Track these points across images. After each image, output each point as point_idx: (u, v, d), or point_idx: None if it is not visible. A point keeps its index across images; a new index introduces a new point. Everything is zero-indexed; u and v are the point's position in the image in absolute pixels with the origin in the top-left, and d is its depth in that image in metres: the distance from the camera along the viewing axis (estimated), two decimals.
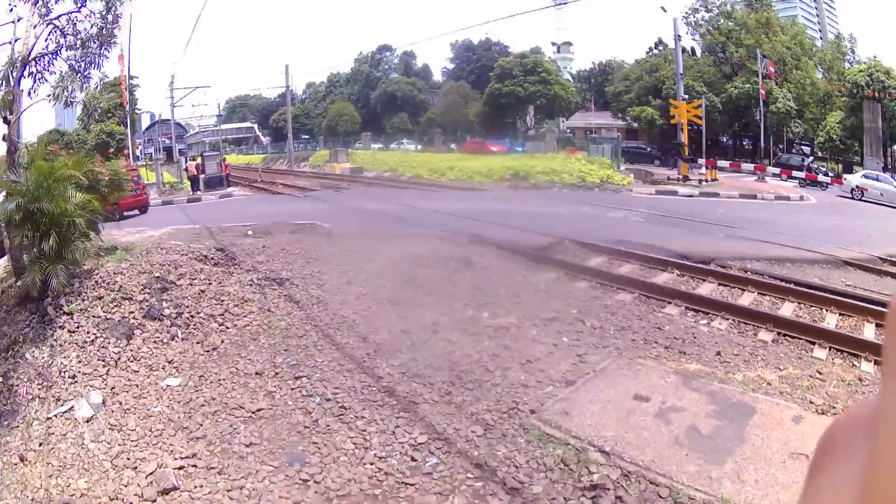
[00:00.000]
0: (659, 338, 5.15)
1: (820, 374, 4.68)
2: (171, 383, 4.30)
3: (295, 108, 43.02)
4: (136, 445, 3.55)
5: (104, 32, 6.23)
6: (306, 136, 48.26)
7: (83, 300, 4.94)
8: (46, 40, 6.03)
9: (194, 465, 3.21)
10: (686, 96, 25.93)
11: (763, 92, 32.26)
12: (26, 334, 4.73)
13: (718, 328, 5.53)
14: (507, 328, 5.02)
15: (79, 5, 6.05)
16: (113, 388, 4.14)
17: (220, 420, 3.72)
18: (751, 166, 27.67)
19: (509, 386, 4.00)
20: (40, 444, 3.67)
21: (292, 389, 4.02)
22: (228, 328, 4.81)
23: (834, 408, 3.95)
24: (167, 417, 3.84)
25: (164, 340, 4.69)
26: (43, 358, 4.48)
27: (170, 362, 4.52)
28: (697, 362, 4.68)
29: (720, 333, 5.41)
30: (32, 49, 5.76)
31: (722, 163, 27.20)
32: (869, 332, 5.79)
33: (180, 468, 3.20)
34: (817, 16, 68.18)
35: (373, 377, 4.04)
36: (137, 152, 29.62)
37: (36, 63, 5.85)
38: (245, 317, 4.92)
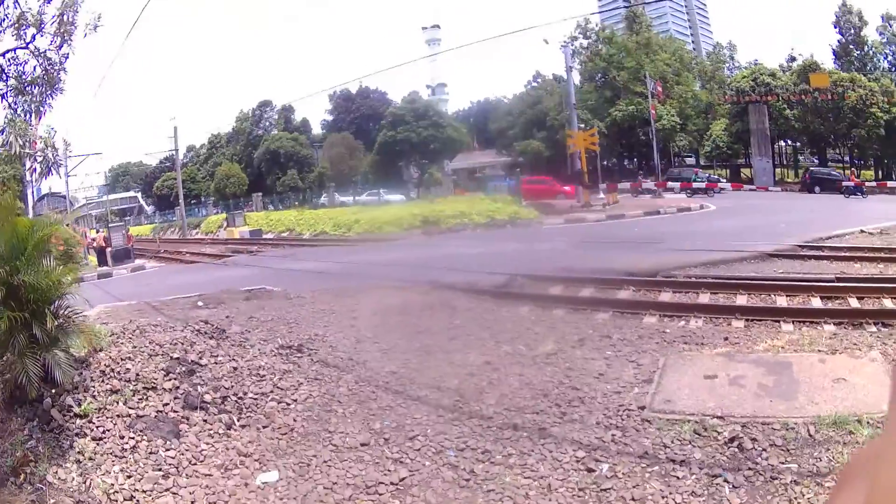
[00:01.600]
0: (670, 338, 6.91)
1: (809, 336, 6.76)
2: (268, 479, 4.38)
3: (180, 172, 47.21)
4: None
5: (50, 75, 6.31)
6: (193, 201, 52.91)
7: (94, 397, 4.74)
8: None
9: None
10: (582, 125, 31.63)
11: (654, 112, 40.16)
12: (35, 449, 4.33)
13: (698, 325, 7.52)
14: (552, 355, 6.27)
15: (25, 41, 6.08)
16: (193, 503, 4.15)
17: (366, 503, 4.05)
18: (651, 184, 32.77)
19: (603, 396, 5.20)
20: None
21: (416, 450, 4.55)
22: (289, 405, 5.00)
23: (836, 351, 5.94)
24: None
25: (221, 431, 4.76)
26: (74, 479, 4.19)
27: (246, 455, 4.60)
28: (722, 346, 6.47)
29: (707, 327, 7.43)
30: None
31: (621, 185, 33.18)
32: (816, 302, 8.51)
33: None
34: (690, 28, 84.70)
35: (483, 418, 4.84)
36: None
37: None
38: (297, 389, 5.15)
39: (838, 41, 52.09)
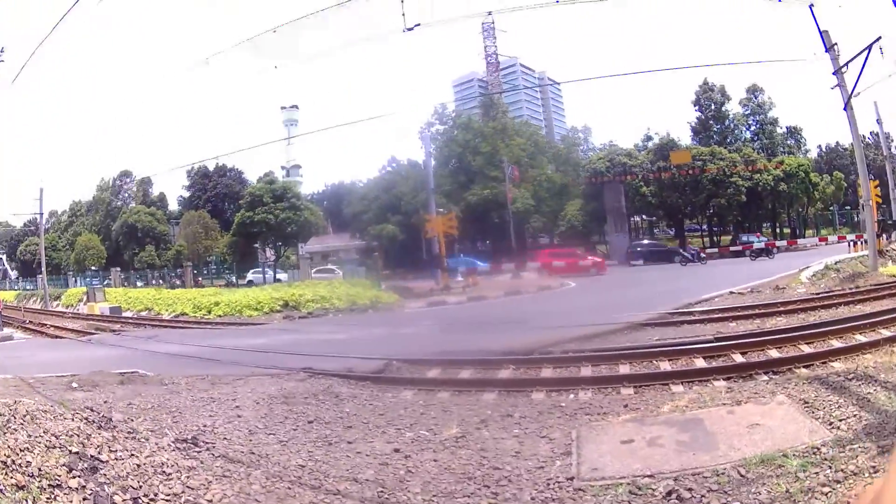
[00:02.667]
0: (569, 411, 7.56)
1: (706, 394, 7.60)
2: None
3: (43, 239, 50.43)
4: None
5: None
6: (51, 271, 54.76)
7: (2, 492, 4.21)
8: None
9: None
10: (441, 209, 35.10)
11: (510, 196, 45.09)
12: None
13: (588, 396, 8.32)
14: (460, 438, 6.57)
15: None
16: None
17: None
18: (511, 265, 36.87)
19: (528, 472, 5.43)
20: None
21: None
22: None
23: (741, 402, 6.76)
24: None
25: None
26: None
27: None
28: (625, 413, 7.08)
29: (598, 398, 8.22)
30: None
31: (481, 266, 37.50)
32: (700, 362, 9.73)
33: None
34: (544, 113, 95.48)
35: None
36: None
37: None
38: (207, 489, 4.79)
39: (697, 118, 62.34)
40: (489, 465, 5.66)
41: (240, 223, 46.35)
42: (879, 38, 19.82)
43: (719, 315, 14.77)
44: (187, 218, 55.22)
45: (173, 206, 62.71)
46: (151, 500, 4.49)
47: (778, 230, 56.32)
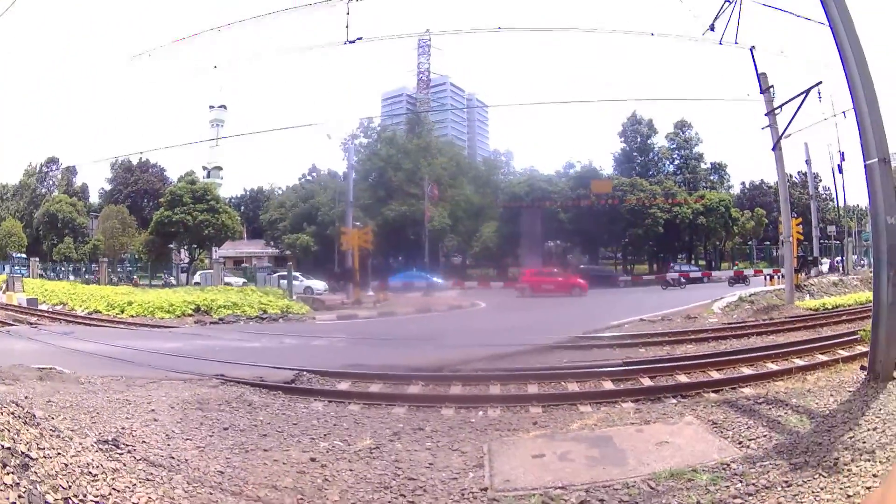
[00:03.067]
0: (479, 427, 7.81)
1: (616, 413, 7.95)
2: None
3: None
4: None
5: None
6: None
7: None
8: None
9: None
10: (358, 223, 35.89)
11: (428, 214, 46.14)
12: None
13: (497, 413, 8.62)
14: (374, 449, 6.67)
15: None
16: None
17: None
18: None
19: (442, 483, 5.54)
20: None
21: None
22: None
23: (649, 421, 7.09)
24: None
25: None
26: None
27: None
28: (535, 430, 7.32)
29: (507, 415, 8.53)
30: None
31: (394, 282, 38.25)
32: (609, 385, 10.20)
33: None
34: (468, 134, 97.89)
35: None
36: None
37: None
38: (133, 492, 4.85)
39: (622, 149, 65.50)
40: (404, 475, 5.78)
41: (158, 221, 46.31)
42: (819, 82, 21.45)
43: (629, 341, 15.45)
44: (106, 212, 55.38)
45: (95, 198, 63.28)
46: (81, 500, 4.47)
47: (693, 262, 59.42)
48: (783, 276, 26.84)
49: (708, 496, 4.75)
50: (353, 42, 20.25)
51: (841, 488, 4.76)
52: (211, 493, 5.16)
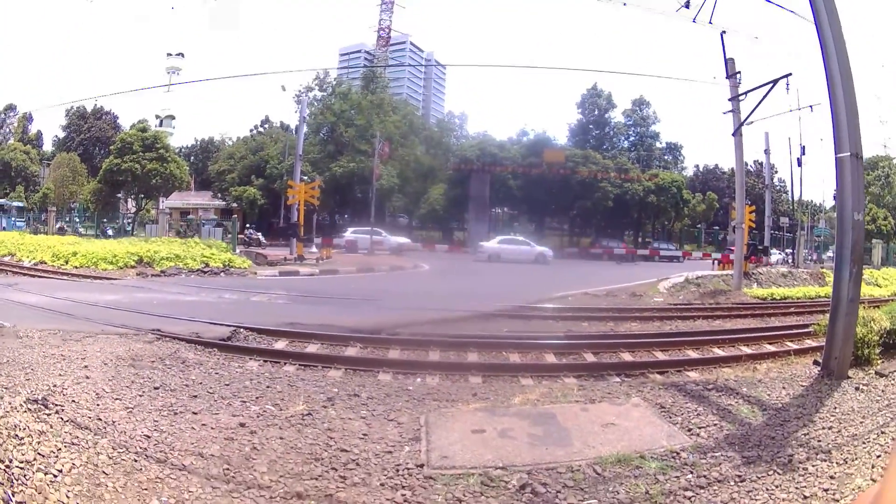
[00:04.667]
0: (417, 395, 7.57)
1: (558, 389, 7.79)
2: None
3: None
4: None
5: None
6: None
7: None
8: None
9: None
10: (305, 177, 35.72)
11: (377, 172, 45.40)
12: None
13: (435, 381, 8.46)
14: (306, 415, 6.41)
15: None
16: None
17: None
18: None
19: (376, 457, 5.27)
20: None
21: None
22: (56, 477, 4.52)
23: (594, 400, 6.95)
24: None
25: None
26: None
27: None
28: (474, 402, 7.10)
29: (446, 384, 8.38)
30: None
31: (336, 240, 38.37)
32: (551, 357, 10.08)
33: None
34: (424, 94, 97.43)
35: (262, 488, 4.72)
36: None
37: None
38: (57, 457, 4.74)
39: (578, 120, 65.67)
40: (336, 446, 5.56)
41: (107, 170, 46.26)
42: (789, 74, 21.61)
43: (572, 314, 15.42)
44: (58, 160, 55.84)
45: (49, 146, 63.82)
46: (7, 466, 4.40)
47: (640, 240, 60.54)
48: (731, 262, 27.37)
49: (657, 486, 4.58)
50: None
51: (797, 488, 4.66)
52: (135, 461, 4.96)
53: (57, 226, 43.94)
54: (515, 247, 39.31)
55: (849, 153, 8.26)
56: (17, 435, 4.82)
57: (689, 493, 4.49)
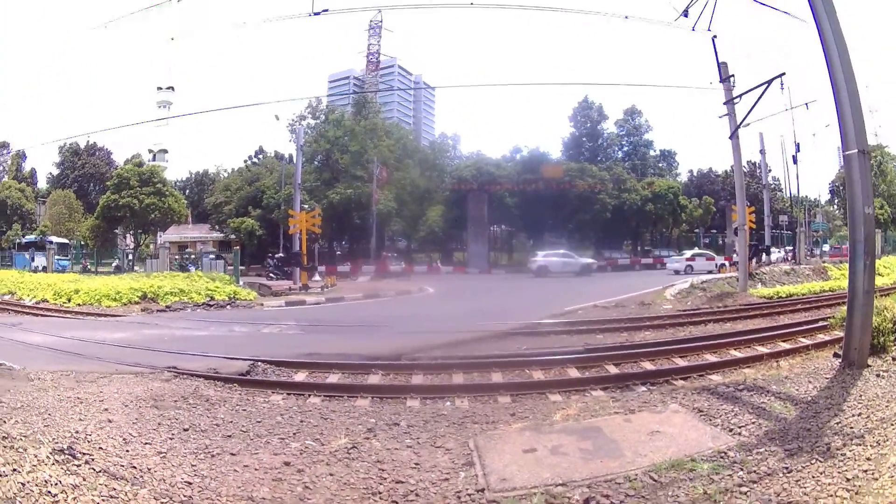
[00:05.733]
0: (455, 419, 7.70)
1: (597, 404, 7.95)
2: None
3: None
4: None
5: None
6: None
7: None
8: None
9: None
10: (305, 206, 36.25)
11: (376, 196, 47.03)
12: None
13: (465, 404, 8.60)
14: (351, 449, 6.42)
15: None
16: None
17: None
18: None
19: (433, 485, 5.35)
20: None
21: None
22: None
23: (633, 410, 7.13)
24: None
25: None
26: None
27: None
28: (516, 422, 7.29)
29: (478, 406, 8.53)
30: None
31: (341, 268, 39.58)
32: (574, 372, 10.35)
33: None
34: (414, 117, 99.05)
35: None
36: None
37: None
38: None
39: (571, 134, 66.33)
40: (391, 478, 5.57)
41: (105, 206, 46.55)
42: (782, 73, 22.04)
43: (585, 328, 15.65)
44: (54, 198, 56.57)
45: (43, 183, 64.83)
46: None
47: (639, 248, 60.91)
48: (735, 265, 27.59)
49: (713, 486, 4.78)
50: (319, 14, 19.56)
51: (839, 472, 4.90)
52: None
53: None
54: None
55: (856, 150, 8.58)
56: (49, 492, 4.58)
57: (743, 489, 4.70)
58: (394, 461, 6.04)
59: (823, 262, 33.61)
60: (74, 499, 4.64)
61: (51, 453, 5.51)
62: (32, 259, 43.63)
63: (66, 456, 5.54)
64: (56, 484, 4.78)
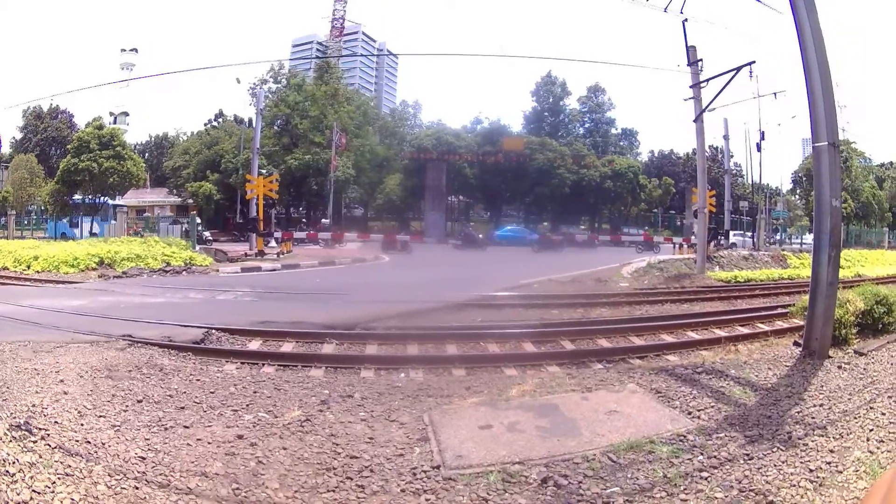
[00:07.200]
0: (410, 392, 7.63)
1: (552, 379, 7.89)
2: None
3: None
4: None
5: None
6: None
7: None
8: None
9: None
10: (263, 171, 35.80)
11: (335, 163, 46.46)
12: None
13: (420, 376, 8.60)
14: (304, 422, 6.30)
15: None
16: None
17: None
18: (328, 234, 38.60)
19: (388, 461, 5.24)
20: None
21: None
22: None
23: (591, 388, 7.09)
24: None
25: None
26: None
27: None
28: (471, 397, 7.22)
29: (433, 378, 8.53)
30: None
31: (298, 234, 38.67)
32: (529, 347, 10.37)
33: None
34: (376, 84, 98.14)
35: None
36: None
37: None
38: (53, 492, 4.42)
39: (532, 108, 66.04)
40: (345, 453, 5.46)
41: (64, 170, 45.35)
42: (752, 62, 22.27)
43: (541, 302, 15.73)
44: (16, 162, 54.59)
45: (7, 147, 63.20)
46: None
47: (597, 225, 61.54)
48: (692, 246, 27.96)
49: (673, 469, 4.76)
50: None
51: (802, 462, 4.91)
52: (137, 488, 4.70)
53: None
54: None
55: (826, 143, 8.64)
56: (7, 471, 4.56)
57: (704, 474, 4.69)
58: (348, 435, 5.93)
59: (783, 250, 34.39)
60: (31, 477, 4.59)
61: (8, 429, 5.47)
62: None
63: (24, 432, 5.49)
64: (14, 463, 4.73)
